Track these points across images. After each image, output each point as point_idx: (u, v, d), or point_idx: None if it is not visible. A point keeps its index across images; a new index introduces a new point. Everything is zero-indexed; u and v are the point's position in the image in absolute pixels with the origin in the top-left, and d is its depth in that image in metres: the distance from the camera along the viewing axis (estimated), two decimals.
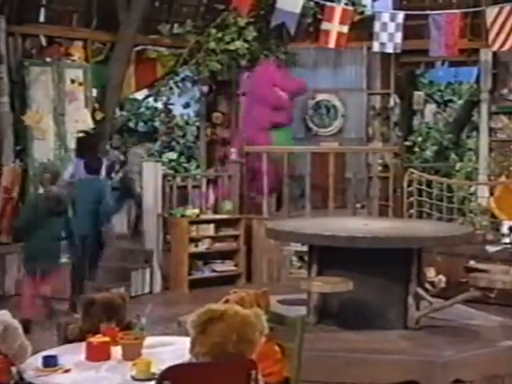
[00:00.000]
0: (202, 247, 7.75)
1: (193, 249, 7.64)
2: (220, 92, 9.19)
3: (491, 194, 7.94)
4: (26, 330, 3.45)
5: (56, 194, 5.99)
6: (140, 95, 9.42)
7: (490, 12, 7.26)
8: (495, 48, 7.41)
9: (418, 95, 9.36)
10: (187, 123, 10.92)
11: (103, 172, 7.29)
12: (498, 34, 7.23)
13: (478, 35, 8.48)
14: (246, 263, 7.94)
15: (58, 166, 7.37)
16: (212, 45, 8.35)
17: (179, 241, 7.58)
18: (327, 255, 4.85)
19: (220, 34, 8.36)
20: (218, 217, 7.99)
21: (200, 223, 7.71)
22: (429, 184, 7.73)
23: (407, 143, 9.24)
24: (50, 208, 5.85)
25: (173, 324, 5.19)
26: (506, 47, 7.29)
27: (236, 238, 7.93)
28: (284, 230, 5.04)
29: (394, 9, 7.89)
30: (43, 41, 7.87)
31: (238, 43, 8.33)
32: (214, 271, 7.75)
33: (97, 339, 3.15)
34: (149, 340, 3.29)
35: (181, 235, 7.58)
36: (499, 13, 7.19)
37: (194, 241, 7.66)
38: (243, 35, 8.35)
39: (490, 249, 6.70)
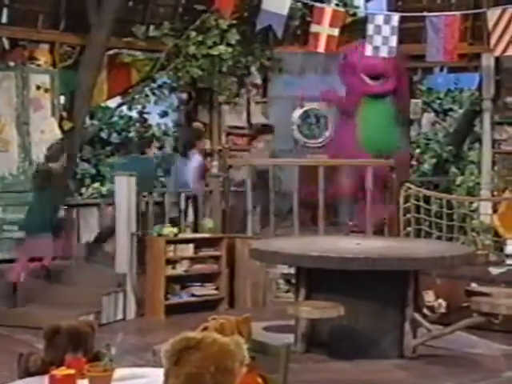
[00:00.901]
0: (180, 269, 7.72)
1: (170, 271, 7.62)
2: (200, 100, 9.25)
3: (495, 210, 8.00)
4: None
5: (44, 169, 7.09)
6: (113, 103, 9.43)
7: (492, 14, 7.30)
8: (497, 53, 7.47)
9: (415, 103, 9.35)
10: (165, 133, 10.94)
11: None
12: (500, 38, 7.29)
13: (479, 39, 8.59)
14: (229, 287, 7.93)
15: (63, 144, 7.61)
16: (192, 49, 8.39)
17: (155, 262, 7.56)
18: (316, 278, 4.88)
19: (200, 38, 8.40)
20: (197, 236, 7.98)
21: (178, 243, 7.68)
22: (427, 200, 7.77)
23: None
24: (37, 182, 7.06)
25: (146, 354, 5.16)
26: (509, 52, 7.33)
27: (217, 259, 7.91)
28: (269, 251, 5.09)
29: (389, 10, 7.98)
30: (5, 43, 7.85)
31: (221, 47, 8.38)
32: (193, 295, 7.72)
33: (61, 372, 3.11)
34: (119, 372, 3.26)
35: (157, 256, 7.56)
36: (501, 15, 7.24)
37: (172, 262, 7.64)
38: (226, 39, 8.42)
39: (494, 271, 6.73)
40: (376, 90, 8.61)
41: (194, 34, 8.41)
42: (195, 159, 8.74)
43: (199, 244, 7.85)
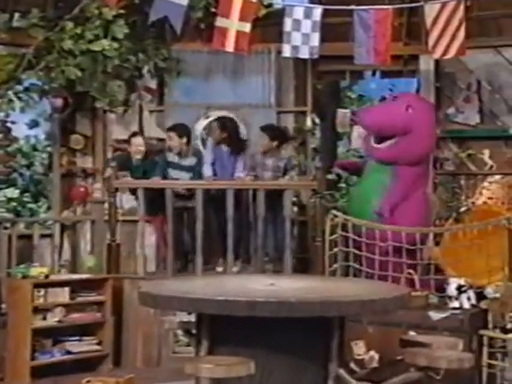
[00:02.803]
0: (53, 320, 7.63)
1: (39, 322, 7.52)
2: (80, 107, 9.23)
3: (436, 243, 8.24)
4: None
5: None
6: None
7: (430, 9, 7.42)
8: (437, 55, 7.68)
9: (343, 114, 9.60)
10: (35, 149, 10.81)
11: None
12: (439, 37, 7.48)
13: (417, 38, 8.94)
14: (115, 341, 7.90)
15: None
16: (68, 44, 8.31)
17: (19, 311, 7.43)
18: (221, 327, 4.89)
19: (79, 30, 8.34)
20: (75, 277, 7.95)
21: (50, 286, 7.61)
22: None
23: (330, 176, 9.40)
24: None
25: None
26: (451, 54, 7.56)
27: (100, 305, 7.89)
28: (163, 295, 5.04)
29: (311, 2, 8.06)
30: None
31: (105, 42, 8.35)
32: (69, 353, 7.64)
33: None
34: None
35: (22, 304, 7.44)
36: (441, 10, 7.38)
37: (41, 311, 7.56)
38: (111, 32, 8.37)
39: (435, 316, 6.92)
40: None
41: (70, 25, 8.33)
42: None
43: (77, 287, 7.82)
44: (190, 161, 8.70)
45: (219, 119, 8.97)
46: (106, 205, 8.42)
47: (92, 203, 8.69)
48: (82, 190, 9.33)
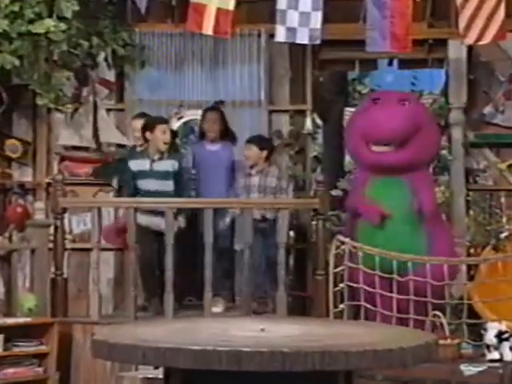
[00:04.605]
0: None
1: None
2: (17, 105, 9.23)
3: (471, 277, 8.27)
4: None
5: None
6: None
7: None
8: (470, 40, 7.74)
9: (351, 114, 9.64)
10: None
11: None
12: (473, 18, 7.54)
13: (445, 18, 8.96)
14: None
15: None
16: (2, 24, 8.30)
17: None
18: None
19: (16, 7, 8.31)
20: (10, 322, 7.88)
21: None
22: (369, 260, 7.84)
23: (335, 192, 9.47)
24: None
25: None
26: (487, 39, 7.61)
27: (42, 358, 7.83)
28: (123, 344, 4.96)
29: None
30: None
31: (50, 22, 8.31)
32: None
33: None
34: None
35: None
36: None
37: None
38: (57, 9, 8.33)
39: (468, 370, 6.90)
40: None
41: (5, 0, 8.28)
42: None
43: (12, 335, 7.76)
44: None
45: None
46: (51, 229, 8.37)
47: (32, 227, 8.52)
48: (20, 210, 9.25)
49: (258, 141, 8.85)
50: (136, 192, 8.56)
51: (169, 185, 8.52)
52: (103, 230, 8.53)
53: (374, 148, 8.03)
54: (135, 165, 8.58)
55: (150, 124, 8.59)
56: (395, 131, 7.93)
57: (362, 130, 8.12)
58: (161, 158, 8.54)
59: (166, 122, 8.79)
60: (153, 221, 8.45)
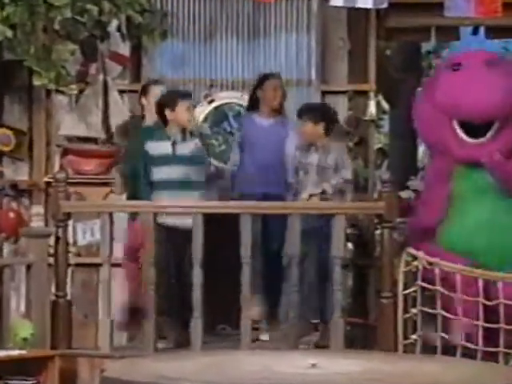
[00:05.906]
0: None
1: None
2: (10, 86, 9.38)
3: None
4: None
5: None
6: None
7: None
8: None
9: None
10: None
11: None
12: None
13: None
14: None
15: None
16: None
17: None
18: None
19: None
20: (2, 354, 7.95)
21: None
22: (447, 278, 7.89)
23: (405, 194, 9.42)
24: None
25: None
26: None
27: None
28: (140, 382, 5.00)
29: None
30: None
31: None
32: None
33: None
34: None
35: None
36: None
37: None
38: None
39: None
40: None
41: None
42: None
43: (5, 370, 7.85)
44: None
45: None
46: (51, 240, 8.34)
47: (28, 237, 8.52)
48: (12, 215, 9.39)
49: (312, 111, 8.84)
50: (151, 184, 8.56)
51: (196, 172, 8.56)
52: (124, 247, 8.66)
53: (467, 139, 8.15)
54: (154, 148, 8.54)
55: (170, 100, 8.56)
56: (497, 106, 8.01)
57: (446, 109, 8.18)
58: (184, 139, 8.56)
59: (189, 95, 8.84)
60: (182, 220, 8.39)
